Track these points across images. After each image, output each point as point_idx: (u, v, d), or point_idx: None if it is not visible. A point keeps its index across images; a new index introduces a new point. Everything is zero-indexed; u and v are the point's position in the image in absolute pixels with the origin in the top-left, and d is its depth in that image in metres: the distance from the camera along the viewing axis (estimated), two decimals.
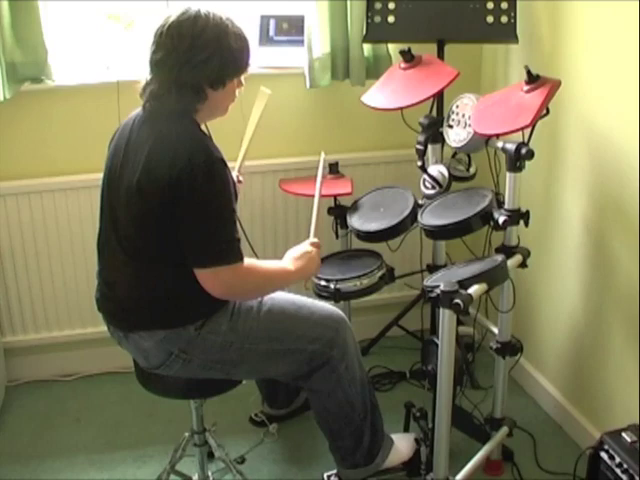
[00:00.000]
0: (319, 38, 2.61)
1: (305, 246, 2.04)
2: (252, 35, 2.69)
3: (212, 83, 1.78)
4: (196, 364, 1.88)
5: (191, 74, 1.74)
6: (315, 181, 2.24)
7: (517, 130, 1.98)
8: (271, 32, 2.72)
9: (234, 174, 2.23)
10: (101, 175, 1.92)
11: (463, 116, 2.19)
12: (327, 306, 2.06)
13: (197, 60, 1.73)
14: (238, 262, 1.78)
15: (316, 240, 2.07)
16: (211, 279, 1.77)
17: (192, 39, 1.72)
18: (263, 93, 2.26)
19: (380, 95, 2.38)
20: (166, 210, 1.73)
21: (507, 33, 2.44)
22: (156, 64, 1.76)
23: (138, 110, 1.86)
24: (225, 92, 1.82)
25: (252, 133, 2.27)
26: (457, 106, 2.23)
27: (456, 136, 2.20)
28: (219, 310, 1.86)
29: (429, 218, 2.15)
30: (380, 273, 2.28)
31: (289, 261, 1.99)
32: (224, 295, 1.82)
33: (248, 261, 1.84)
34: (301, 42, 2.65)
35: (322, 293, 2.24)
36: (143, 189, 1.74)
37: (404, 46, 2.37)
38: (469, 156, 2.30)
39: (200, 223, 1.73)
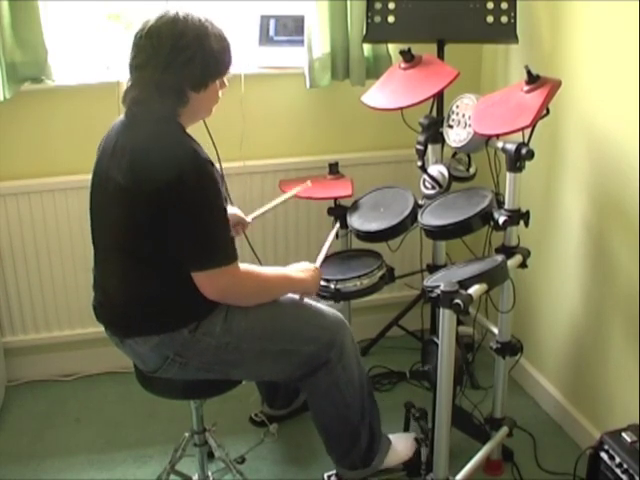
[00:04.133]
0: (319, 38, 2.60)
1: (310, 264, 2.06)
2: (252, 35, 2.70)
3: (194, 86, 1.76)
4: (193, 367, 1.88)
5: (172, 77, 1.73)
6: (312, 181, 2.25)
7: (517, 130, 1.98)
8: (271, 32, 2.71)
9: (249, 219, 2.22)
10: None
11: (463, 116, 2.19)
12: (325, 308, 2.06)
13: (178, 63, 1.72)
14: (232, 263, 1.78)
15: (319, 268, 2.10)
16: (207, 282, 1.77)
17: (172, 43, 1.71)
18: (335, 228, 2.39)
19: (380, 95, 2.38)
20: (155, 214, 1.72)
21: (507, 33, 2.43)
22: (137, 68, 1.76)
23: (123, 115, 1.85)
24: (207, 94, 1.81)
25: (284, 199, 2.35)
26: (457, 106, 2.23)
27: (456, 136, 2.20)
28: (213, 312, 1.85)
29: (429, 218, 2.15)
30: (380, 273, 2.28)
31: (291, 270, 2.00)
32: (221, 298, 1.82)
33: (247, 266, 1.84)
34: (301, 42, 2.65)
35: (322, 293, 2.23)
36: (131, 194, 1.73)
37: (404, 46, 2.37)
38: (469, 156, 2.30)
39: (192, 226, 1.72)
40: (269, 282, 1.92)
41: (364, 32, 2.57)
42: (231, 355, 1.89)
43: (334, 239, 2.32)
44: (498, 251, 2.11)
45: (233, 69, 1.86)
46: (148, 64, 1.73)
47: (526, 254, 2.09)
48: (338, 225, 2.42)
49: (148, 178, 1.70)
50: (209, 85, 1.80)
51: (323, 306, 2.07)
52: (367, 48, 2.69)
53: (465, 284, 1.84)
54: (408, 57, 2.37)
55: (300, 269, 2.02)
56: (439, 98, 2.48)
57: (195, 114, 1.85)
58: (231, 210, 2.12)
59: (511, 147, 2.00)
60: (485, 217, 2.05)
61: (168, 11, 1.74)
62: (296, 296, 2.00)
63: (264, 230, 2.82)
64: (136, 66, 1.75)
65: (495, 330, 2.30)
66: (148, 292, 1.83)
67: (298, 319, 1.98)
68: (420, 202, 2.33)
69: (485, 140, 2.13)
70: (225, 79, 1.86)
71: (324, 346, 1.98)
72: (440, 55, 2.50)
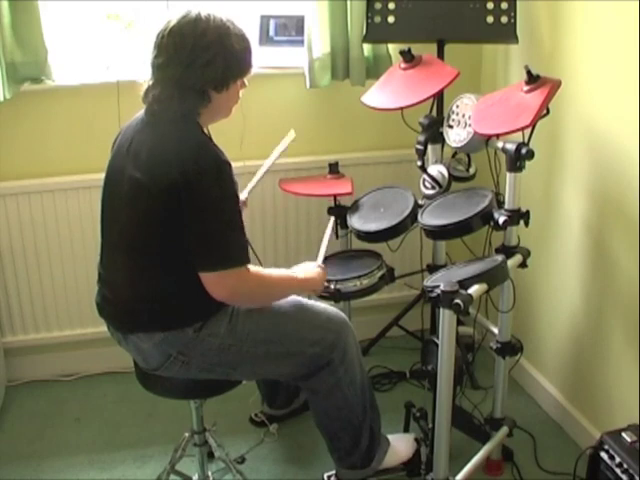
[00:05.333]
0: (319, 38, 2.60)
1: (314, 265, 2.07)
2: (252, 35, 2.69)
3: (216, 86, 1.77)
4: (195, 366, 1.88)
5: (194, 77, 1.74)
6: (312, 181, 2.29)
7: (517, 130, 1.98)
8: (271, 32, 2.72)
9: (243, 196, 2.23)
10: (101, 175, 1.91)
11: (463, 116, 2.19)
12: (329, 308, 2.06)
13: (200, 63, 1.72)
14: (244, 266, 1.78)
15: (322, 265, 2.10)
16: (216, 283, 1.76)
17: (194, 42, 1.71)
18: (290, 135, 2.37)
19: (380, 95, 2.38)
20: (171, 212, 1.72)
21: (507, 33, 2.44)
22: (158, 68, 1.76)
23: (141, 112, 1.85)
24: (228, 94, 1.81)
25: (269, 167, 2.36)
26: (457, 106, 2.23)
27: (456, 136, 2.20)
28: (218, 312, 1.86)
29: (429, 218, 2.15)
30: (380, 273, 2.28)
31: (296, 270, 2.00)
32: (229, 299, 1.82)
33: (254, 267, 1.84)
34: (301, 42, 2.65)
35: (322, 293, 2.23)
36: (147, 191, 1.73)
37: (404, 46, 2.37)
38: (469, 156, 2.30)
39: (208, 227, 1.73)
40: (276, 283, 1.92)
41: (364, 32, 2.57)
42: (234, 356, 1.89)
43: (332, 234, 2.31)
44: (498, 251, 2.11)
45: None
46: (170, 63, 1.73)
47: (526, 254, 2.09)
48: (333, 219, 2.40)
49: (167, 176, 1.70)
50: (230, 85, 1.80)
51: (326, 306, 2.07)
52: (367, 48, 2.69)
53: (465, 284, 1.84)
54: (408, 57, 2.37)
55: (305, 270, 2.03)
56: (439, 98, 2.48)
57: (215, 114, 1.85)
58: None
59: (511, 147, 2.00)
60: (485, 217, 2.05)
61: (190, 11, 1.74)
62: (300, 298, 2.00)
63: (264, 230, 2.82)
64: (158, 65, 1.75)
65: (495, 330, 2.30)
66: (156, 290, 1.83)
67: (302, 321, 1.98)
68: (420, 202, 2.33)
69: (485, 140, 2.13)
70: (245, 79, 1.86)
71: (327, 347, 1.98)
72: (440, 55, 2.50)
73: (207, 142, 1.78)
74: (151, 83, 1.79)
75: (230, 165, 1.75)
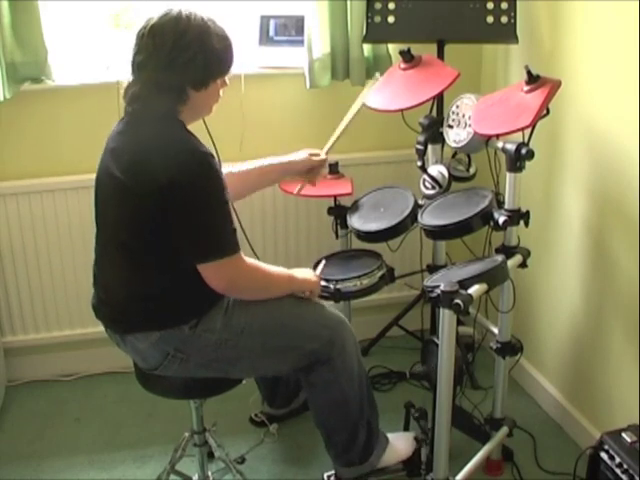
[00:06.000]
0: (319, 38, 2.60)
1: (311, 271, 2.08)
2: (252, 35, 2.70)
3: (195, 84, 1.77)
4: (193, 363, 1.88)
5: (174, 76, 1.73)
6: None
7: (517, 130, 1.98)
8: (271, 32, 2.72)
9: (323, 154, 2.32)
10: None
11: (463, 116, 2.19)
12: (326, 305, 2.07)
13: (180, 61, 1.72)
14: (236, 253, 1.79)
15: (319, 275, 2.13)
16: (214, 273, 1.77)
17: (174, 40, 1.71)
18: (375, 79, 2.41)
19: (380, 96, 2.38)
20: (158, 211, 1.72)
21: (507, 33, 2.44)
22: (138, 66, 1.76)
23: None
24: (208, 93, 1.81)
25: (350, 119, 2.39)
26: (457, 106, 2.23)
27: (456, 136, 2.20)
28: (213, 308, 1.86)
29: (429, 218, 2.15)
30: (380, 273, 2.28)
31: (294, 271, 2.00)
32: (228, 289, 1.83)
33: (252, 260, 1.85)
34: (301, 42, 2.65)
35: (322, 293, 2.23)
36: (132, 192, 1.74)
37: (404, 46, 2.37)
38: (469, 156, 2.30)
39: (197, 220, 1.73)
40: (274, 277, 1.93)
41: (364, 32, 2.57)
42: (231, 352, 1.89)
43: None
44: (498, 251, 2.11)
45: (234, 69, 1.87)
46: (149, 62, 1.73)
47: (526, 254, 2.09)
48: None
49: (149, 175, 1.70)
50: (210, 84, 1.80)
51: (323, 303, 2.07)
52: (367, 48, 2.69)
53: (465, 284, 1.84)
54: (408, 57, 2.36)
55: (304, 271, 2.04)
56: (439, 98, 2.48)
57: (195, 112, 1.85)
58: (299, 156, 2.27)
59: (511, 147, 2.00)
60: (485, 217, 2.05)
61: (171, 9, 1.75)
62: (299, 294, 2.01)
63: (264, 230, 2.82)
64: (138, 64, 1.76)
65: (495, 330, 2.30)
66: (149, 288, 1.83)
67: (298, 316, 1.99)
68: (420, 202, 2.33)
69: (485, 140, 2.13)
70: (226, 78, 1.86)
71: (325, 344, 1.99)
72: (440, 55, 2.50)
73: (186, 138, 1.77)
74: (131, 81, 1.79)
75: (213, 156, 1.75)
